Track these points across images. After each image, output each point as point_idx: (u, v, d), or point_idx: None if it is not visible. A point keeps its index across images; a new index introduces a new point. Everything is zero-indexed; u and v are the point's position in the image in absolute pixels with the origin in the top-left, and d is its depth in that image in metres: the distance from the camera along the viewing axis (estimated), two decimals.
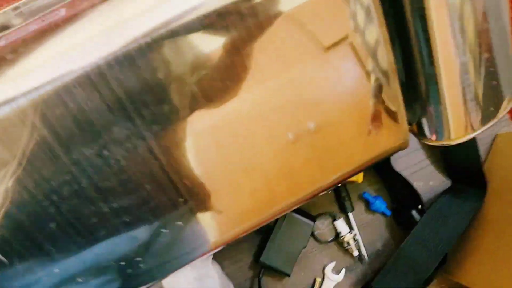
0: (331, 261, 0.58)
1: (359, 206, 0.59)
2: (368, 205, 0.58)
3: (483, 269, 0.50)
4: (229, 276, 0.56)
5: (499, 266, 0.47)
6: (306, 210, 0.58)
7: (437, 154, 0.60)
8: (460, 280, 0.52)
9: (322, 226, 0.59)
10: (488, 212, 0.54)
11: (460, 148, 0.55)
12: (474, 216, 0.54)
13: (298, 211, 0.56)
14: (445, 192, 0.57)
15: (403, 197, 0.56)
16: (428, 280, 0.54)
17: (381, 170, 0.58)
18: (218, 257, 0.56)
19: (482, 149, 0.60)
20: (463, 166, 0.58)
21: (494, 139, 0.60)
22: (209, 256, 0.50)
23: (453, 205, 0.54)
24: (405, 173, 0.59)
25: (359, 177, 0.56)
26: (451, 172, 0.59)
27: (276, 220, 0.54)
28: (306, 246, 0.55)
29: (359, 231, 0.58)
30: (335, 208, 0.59)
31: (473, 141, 0.57)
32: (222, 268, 0.55)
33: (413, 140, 0.59)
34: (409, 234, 0.53)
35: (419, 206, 0.55)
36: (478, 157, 0.57)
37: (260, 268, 0.55)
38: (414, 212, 0.54)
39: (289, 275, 0.54)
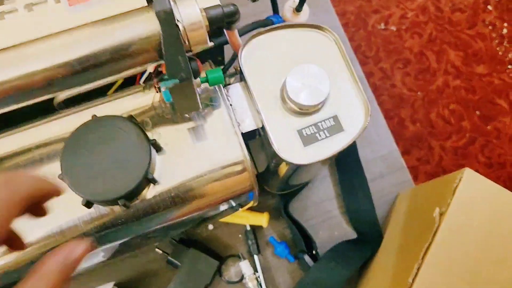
0: None
1: (267, 250, 0.63)
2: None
3: None
4: None
5: None
6: (217, 251, 0.63)
7: (344, 206, 0.65)
8: None
9: (231, 268, 0.63)
10: (375, 263, 0.58)
11: (358, 204, 0.61)
12: (364, 264, 0.59)
13: (206, 250, 0.61)
14: (346, 241, 0.62)
15: (300, 243, 0.60)
16: None
17: (288, 216, 0.62)
18: None
19: (387, 205, 0.65)
20: (363, 221, 0.62)
21: (396, 197, 0.65)
22: (110, 284, 0.54)
23: (348, 251, 0.59)
24: (312, 222, 0.64)
25: (264, 222, 0.61)
26: (354, 224, 0.64)
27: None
28: (209, 284, 0.59)
29: (263, 273, 0.62)
30: (245, 250, 0.63)
31: (369, 198, 0.62)
32: None
33: (323, 190, 0.65)
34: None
35: (313, 252, 0.59)
36: (373, 213, 0.62)
37: None
38: (306, 257, 0.58)
39: None
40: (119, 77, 0.41)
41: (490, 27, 1.36)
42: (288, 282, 0.62)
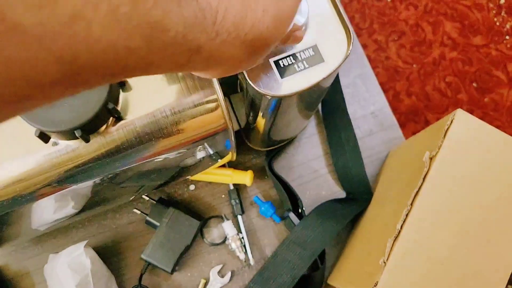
0: (219, 264, 0.58)
1: (252, 211, 0.60)
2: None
3: (350, 269, 0.51)
4: (116, 272, 0.57)
5: (360, 264, 0.48)
6: (199, 212, 0.60)
7: (332, 165, 0.62)
8: (336, 285, 0.53)
9: (213, 229, 0.60)
10: (365, 218, 0.55)
11: (347, 160, 0.58)
12: (352, 220, 0.56)
13: (187, 210, 0.57)
14: (334, 199, 0.59)
15: (286, 202, 0.57)
16: (307, 281, 0.54)
17: (274, 175, 0.59)
18: (108, 253, 0.57)
19: (378, 163, 0.62)
20: (352, 178, 0.59)
21: (387, 155, 0.62)
22: (82, 243, 0.51)
23: (335, 209, 0.56)
24: (299, 181, 0.61)
25: (248, 180, 0.58)
26: (343, 183, 0.61)
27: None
28: (190, 245, 0.56)
29: (247, 235, 0.59)
30: (229, 211, 0.60)
31: (358, 155, 0.59)
32: (109, 264, 0.56)
33: (310, 149, 0.62)
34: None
35: (299, 210, 0.56)
36: (362, 169, 0.59)
37: (144, 265, 0.56)
38: (292, 215, 0.55)
39: (170, 273, 0.55)
40: None
41: None
42: (274, 243, 0.59)
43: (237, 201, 0.59)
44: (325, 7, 0.39)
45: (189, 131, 0.38)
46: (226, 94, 0.56)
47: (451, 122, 0.43)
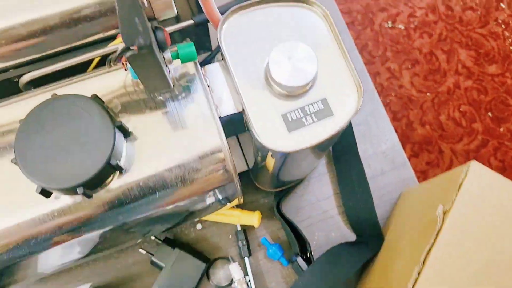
0: None
1: (259, 252, 0.59)
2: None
3: None
4: None
5: None
6: (205, 253, 0.58)
7: (342, 206, 0.60)
8: None
9: (220, 271, 0.58)
10: (376, 266, 0.53)
11: (357, 201, 0.56)
12: (363, 266, 0.54)
13: (192, 251, 0.56)
14: (344, 243, 0.57)
15: (294, 245, 0.56)
16: None
17: (282, 217, 0.58)
18: None
19: (389, 204, 0.60)
20: (362, 220, 0.58)
21: (399, 196, 0.60)
22: (86, 286, 0.50)
23: (345, 254, 0.54)
24: (308, 222, 0.60)
25: (255, 222, 0.57)
26: (353, 225, 0.59)
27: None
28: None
29: (254, 277, 0.57)
30: (236, 253, 0.59)
31: (369, 196, 0.58)
32: None
33: (320, 188, 0.60)
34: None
35: (308, 254, 0.55)
36: (373, 211, 0.57)
37: None
38: (300, 260, 0.54)
39: None
40: (89, 56, 0.38)
41: (503, 26, 1.30)
42: (281, 287, 0.57)
43: (244, 242, 0.58)
44: (335, 58, 0.38)
45: (194, 185, 0.37)
46: (235, 133, 0.55)
47: (466, 175, 0.41)
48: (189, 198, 0.38)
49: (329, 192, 0.61)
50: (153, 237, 0.57)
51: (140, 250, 0.57)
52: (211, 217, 0.57)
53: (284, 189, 0.58)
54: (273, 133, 0.36)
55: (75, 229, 0.36)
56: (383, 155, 0.63)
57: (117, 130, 0.34)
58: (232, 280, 0.57)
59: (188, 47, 0.34)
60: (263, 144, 0.35)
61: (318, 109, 0.37)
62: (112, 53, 0.39)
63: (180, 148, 0.37)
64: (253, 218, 0.57)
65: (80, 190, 0.32)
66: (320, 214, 0.60)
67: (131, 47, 0.27)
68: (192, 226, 0.59)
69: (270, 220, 0.60)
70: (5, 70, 0.39)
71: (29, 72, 0.39)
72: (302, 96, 0.37)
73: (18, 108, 0.37)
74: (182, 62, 0.34)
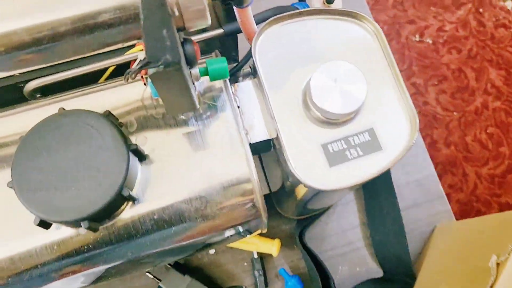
0: None
1: (277, 283, 0.54)
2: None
3: None
4: None
5: None
6: (218, 280, 0.54)
7: (370, 238, 0.55)
8: None
9: None
10: None
11: (386, 235, 0.51)
12: None
13: (204, 278, 0.51)
14: (371, 280, 0.52)
15: (316, 280, 0.50)
16: None
17: (303, 246, 0.53)
18: None
19: (421, 239, 0.55)
20: (391, 256, 0.52)
21: (433, 230, 0.55)
22: None
23: None
24: (331, 254, 0.55)
25: (275, 251, 0.52)
26: (381, 260, 0.54)
27: None
28: None
29: None
30: (251, 282, 0.54)
31: (401, 230, 0.52)
32: None
33: (346, 217, 0.55)
34: None
35: None
36: (405, 247, 0.52)
37: None
38: None
39: None
40: (103, 64, 0.33)
41: None
42: None
43: (261, 272, 0.53)
44: (387, 85, 0.33)
45: (215, 220, 0.32)
46: (257, 152, 0.50)
47: None
48: (208, 234, 0.33)
49: (356, 221, 0.56)
50: None
51: (147, 274, 0.52)
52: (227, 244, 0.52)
53: (308, 217, 0.53)
54: (312, 167, 0.31)
55: (77, 263, 0.31)
56: (417, 183, 0.57)
57: (131, 155, 0.29)
58: None
59: (219, 62, 0.29)
60: (300, 180, 0.30)
61: (364, 141, 0.32)
62: (129, 62, 0.35)
63: (201, 176, 0.32)
64: (272, 247, 0.52)
65: (85, 224, 0.27)
66: (345, 245, 0.55)
67: (154, 64, 0.22)
68: (205, 250, 0.54)
69: (290, 248, 0.55)
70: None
71: (35, 78, 0.35)
72: (344, 125, 0.32)
73: (19, 120, 0.33)
74: (211, 80, 0.29)
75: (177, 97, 0.27)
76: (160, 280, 0.51)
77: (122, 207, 0.30)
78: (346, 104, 0.31)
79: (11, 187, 0.28)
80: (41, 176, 0.28)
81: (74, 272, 0.32)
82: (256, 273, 0.53)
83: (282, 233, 0.55)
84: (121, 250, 0.32)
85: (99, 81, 0.37)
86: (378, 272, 0.54)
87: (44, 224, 0.28)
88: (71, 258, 0.31)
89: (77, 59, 0.35)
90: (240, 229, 0.38)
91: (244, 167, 0.31)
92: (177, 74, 0.24)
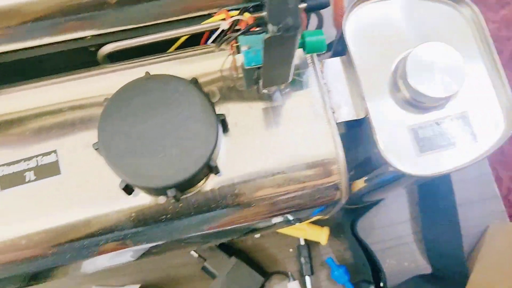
0: None
1: (322, 272, 0.53)
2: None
3: None
4: None
5: None
6: (262, 265, 0.53)
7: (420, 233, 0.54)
8: None
9: (277, 287, 0.52)
10: None
11: (440, 232, 0.49)
12: None
13: (248, 261, 0.51)
14: (420, 276, 0.51)
15: (366, 271, 0.49)
16: None
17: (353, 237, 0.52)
18: None
19: (473, 238, 0.54)
20: (443, 253, 0.51)
21: (485, 230, 0.53)
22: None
23: None
24: (379, 247, 0.53)
25: (324, 239, 0.51)
26: (431, 256, 0.52)
27: None
28: None
29: None
30: (295, 269, 0.53)
31: (456, 227, 0.51)
32: None
33: (396, 211, 0.54)
34: None
35: (381, 284, 0.48)
36: (460, 245, 0.50)
37: None
38: None
39: None
40: (182, 31, 0.32)
41: None
42: None
43: (307, 259, 0.52)
44: (482, 72, 0.31)
45: (295, 200, 0.31)
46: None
47: None
48: (284, 213, 0.32)
49: (406, 215, 0.55)
50: None
51: (192, 252, 0.52)
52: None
53: (360, 207, 0.52)
54: (401, 151, 0.30)
55: (149, 233, 0.31)
56: (473, 181, 0.56)
57: (219, 124, 0.28)
58: None
59: (317, 34, 0.28)
60: (389, 163, 0.29)
61: (456, 129, 0.30)
62: (201, 33, 0.34)
63: (284, 153, 0.30)
64: (321, 235, 0.51)
65: (171, 192, 0.26)
66: (394, 239, 0.54)
67: (274, 28, 0.21)
68: None
69: (337, 238, 0.53)
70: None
71: (110, 42, 0.34)
72: (435, 109, 0.31)
73: (102, 82, 0.32)
74: (307, 53, 0.28)
75: (279, 66, 0.26)
76: (205, 259, 0.51)
77: (205, 179, 0.29)
78: (442, 88, 0.29)
79: (96, 149, 0.27)
80: (128, 141, 0.27)
81: (145, 242, 0.31)
82: (302, 259, 0.52)
83: (330, 222, 0.53)
84: (197, 223, 0.31)
85: (169, 50, 0.36)
86: (426, 268, 0.53)
87: (128, 189, 0.27)
88: (146, 227, 0.30)
89: (149, 25, 0.34)
90: (308, 212, 0.36)
91: (331, 146, 0.30)
92: (291, 41, 0.23)
